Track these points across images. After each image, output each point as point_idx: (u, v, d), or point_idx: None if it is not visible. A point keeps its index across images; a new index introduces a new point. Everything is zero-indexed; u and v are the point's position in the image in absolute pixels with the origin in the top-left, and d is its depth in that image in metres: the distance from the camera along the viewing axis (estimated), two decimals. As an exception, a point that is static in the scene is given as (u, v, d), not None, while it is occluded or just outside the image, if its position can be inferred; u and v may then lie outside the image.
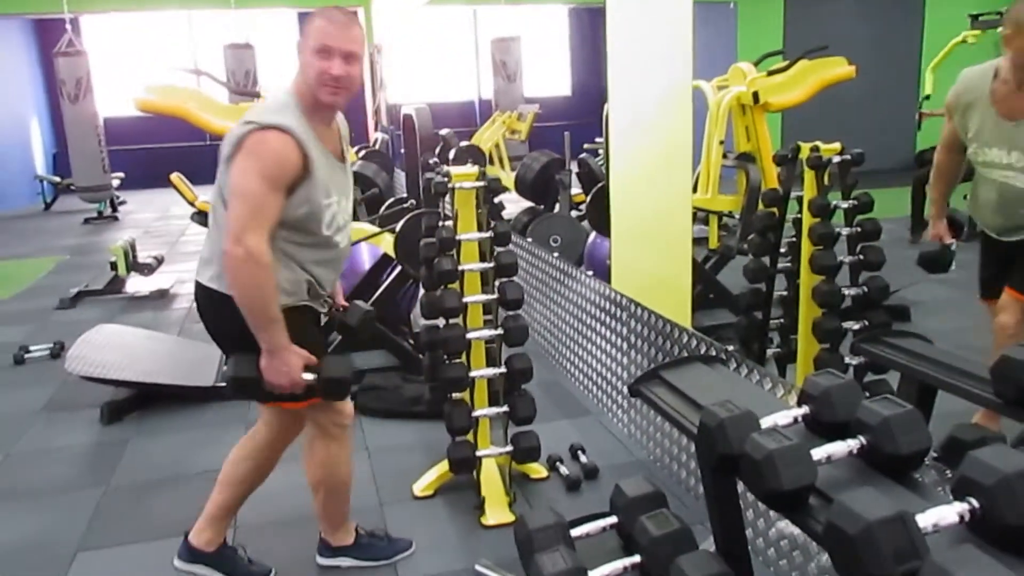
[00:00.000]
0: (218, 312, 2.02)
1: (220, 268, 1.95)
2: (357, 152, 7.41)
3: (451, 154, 5.39)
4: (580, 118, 11.93)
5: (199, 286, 2.05)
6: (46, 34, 12.18)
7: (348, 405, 2.23)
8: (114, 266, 5.79)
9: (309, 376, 1.95)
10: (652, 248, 2.94)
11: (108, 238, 8.49)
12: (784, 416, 1.45)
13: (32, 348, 4.53)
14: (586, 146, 7.63)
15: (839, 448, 1.28)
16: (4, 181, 10.99)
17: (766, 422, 1.45)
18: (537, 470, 2.85)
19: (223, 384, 2.49)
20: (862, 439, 1.26)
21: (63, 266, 7.23)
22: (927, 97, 6.81)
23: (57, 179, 11.23)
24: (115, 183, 9.63)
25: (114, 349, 3.87)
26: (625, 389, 3.16)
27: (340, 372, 2.01)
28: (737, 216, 4.15)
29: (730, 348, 2.45)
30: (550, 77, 13.92)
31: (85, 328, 4.10)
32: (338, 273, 2.19)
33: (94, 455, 3.26)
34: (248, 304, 1.86)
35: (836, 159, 2.80)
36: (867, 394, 1.68)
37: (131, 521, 2.73)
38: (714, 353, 2.38)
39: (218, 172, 1.94)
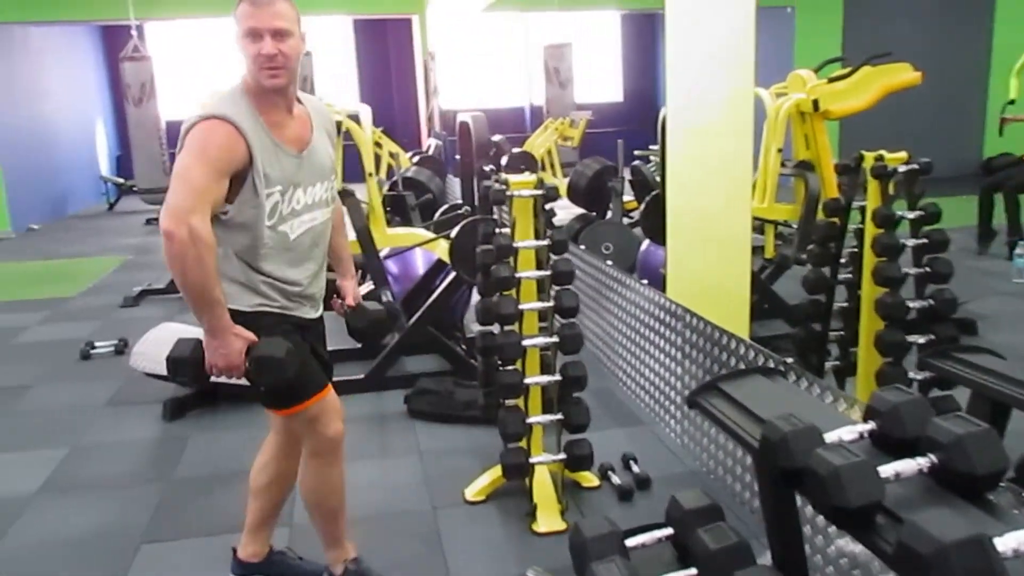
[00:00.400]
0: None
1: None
2: (411, 158, 7.49)
3: (503, 160, 5.42)
4: (631, 124, 11.88)
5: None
6: (112, 40, 12.57)
7: (335, 423, 2.10)
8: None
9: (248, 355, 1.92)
10: (709, 257, 2.92)
11: (168, 239, 8.70)
12: (849, 431, 1.42)
13: (98, 344, 4.67)
14: (637, 153, 7.60)
15: (908, 466, 1.25)
16: (71, 182, 11.36)
17: (830, 437, 1.43)
18: (589, 479, 2.85)
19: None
20: (933, 457, 1.24)
21: (126, 265, 7.44)
22: (1011, 102, 6.56)
23: (120, 180, 11.57)
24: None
25: (176, 347, 3.97)
26: (679, 399, 3.14)
27: (268, 351, 1.90)
28: (794, 225, 4.09)
29: (788, 360, 2.42)
30: (601, 83, 13.88)
31: (148, 326, 4.21)
32: (314, 268, 2.07)
33: (156, 450, 3.35)
34: (191, 286, 1.79)
35: (902, 168, 2.74)
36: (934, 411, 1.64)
37: (192, 515, 2.80)
38: (774, 365, 2.35)
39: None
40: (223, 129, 1.80)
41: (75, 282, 6.76)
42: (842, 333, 3.09)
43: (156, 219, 9.94)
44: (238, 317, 1.91)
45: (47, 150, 10.52)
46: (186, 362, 2.02)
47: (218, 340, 1.87)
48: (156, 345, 3.84)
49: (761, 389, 1.92)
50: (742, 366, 2.57)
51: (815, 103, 3.72)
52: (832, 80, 3.84)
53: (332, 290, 2.24)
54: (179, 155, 1.82)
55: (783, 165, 4.05)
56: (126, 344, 4.63)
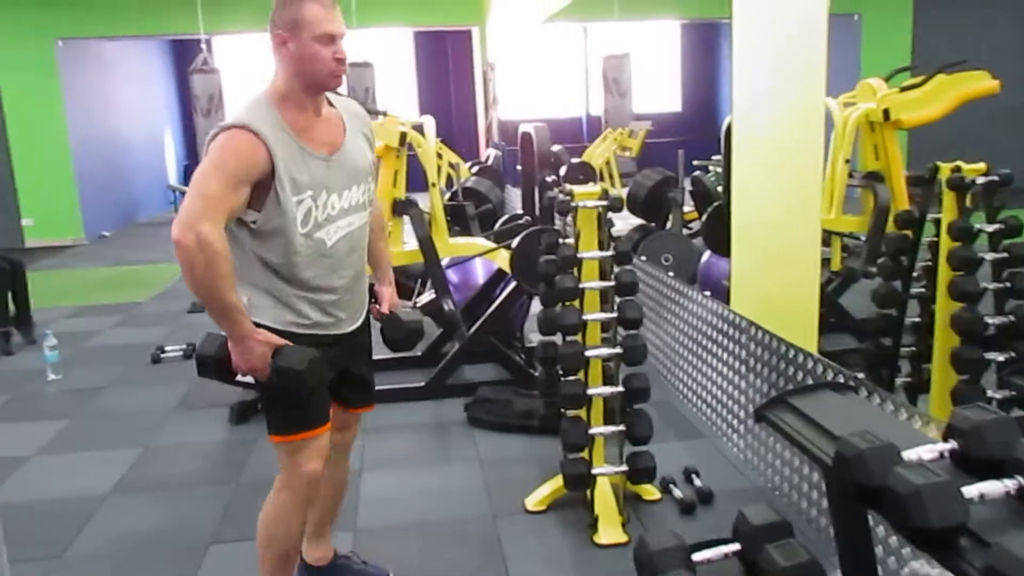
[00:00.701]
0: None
1: (248, 296, 1.87)
2: (470, 168, 7.55)
3: (561, 171, 5.42)
4: (690, 134, 11.76)
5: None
6: (181, 53, 12.97)
7: (314, 462, 1.98)
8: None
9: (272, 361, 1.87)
10: (776, 270, 2.88)
11: (233, 246, 8.93)
12: (928, 450, 1.39)
13: (167, 348, 4.81)
14: (696, 163, 7.53)
15: (994, 488, 1.22)
16: (141, 190, 11.74)
17: (909, 455, 1.39)
18: (651, 491, 2.82)
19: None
20: (1021, 480, 1.20)
21: (193, 272, 7.64)
22: None
23: (187, 189, 11.89)
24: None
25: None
26: (743, 413, 3.09)
27: (291, 362, 1.84)
28: (862, 237, 4.00)
29: (859, 375, 2.37)
30: (659, 93, 13.80)
31: (214, 330, 4.32)
32: (351, 275, 2.00)
33: (224, 452, 3.43)
34: (202, 292, 1.76)
35: (980, 180, 2.67)
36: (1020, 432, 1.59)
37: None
38: (845, 380, 2.31)
39: None
40: (241, 137, 1.77)
41: (145, 287, 6.97)
42: (914, 349, 3.01)
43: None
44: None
45: (119, 160, 10.90)
46: (211, 360, 1.96)
47: (240, 346, 1.84)
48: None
49: (832, 405, 1.88)
50: (810, 381, 2.52)
51: (886, 113, 3.64)
52: (904, 89, 3.74)
53: (371, 296, 2.19)
54: (200, 165, 1.80)
55: (851, 176, 3.97)
56: (194, 348, 4.75)
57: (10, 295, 5.15)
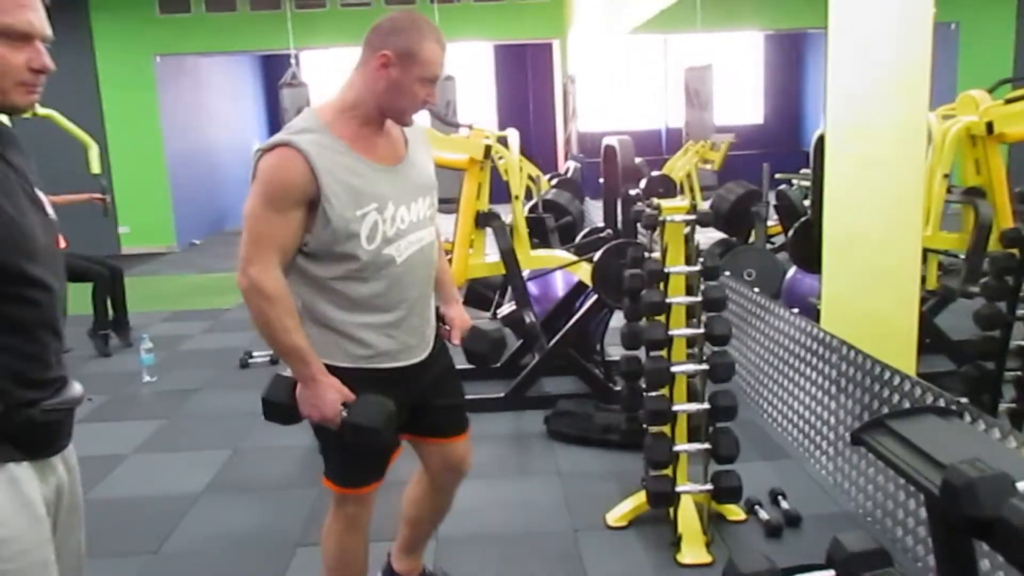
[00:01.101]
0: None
1: (310, 333, 1.76)
2: (549, 180, 7.56)
3: (641, 183, 5.38)
4: (773, 147, 11.55)
5: None
6: (269, 68, 13.42)
7: (360, 511, 1.98)
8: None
9: (343, 412, 1.73)
10: (872, 288, 2.79)
11: (316, 255, 9.17)
12: (1045, 481, 1.32)
13: (255, 354, 4.96)
14: (778, 176, 7.37)
15: (1121, 524, 1.15)
16: (229, 201, 12.16)
17: (1023, 486, 1.33)
18: (736, 512, 2.77)
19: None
20: None
21: (278, 279, 7.87)
22: None
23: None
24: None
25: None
26: (832, 435, 3.00)
27: (366, 418, 1.71)
28: (960, 255, 3.84)
29: (962, 400, 2.27)
30: (741, 104, 13.58)
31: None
32: (419, 294, 1.86)
33: (309, 457, 3.51)
34: (265, 336, 1.71)
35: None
36: None
37: (342, 523, 2.91)
38: (949, 404, 2.22)
39: None
40: (279, 155, 1.66)
41: (232, 294, 7.14)
42: (1019, 373, 2.87)
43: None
44: (332, 373, 1.75)
45: (209, 171, 11.33)
46: (279, 407, 1.80)
47: (309, 390, 1.73)
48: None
49: (935, 430, 1.81)
50: (908, 404, 2.43)
51: (989, 126, 3.50)
52: (1009, 101, 3.59)
53: (439, 319, 2.04)
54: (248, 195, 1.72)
55: (949, 191, 3.82)
56: (280, 354, 4.88)
57: (109, 300, 5.40)
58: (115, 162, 9.81)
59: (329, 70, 13.33)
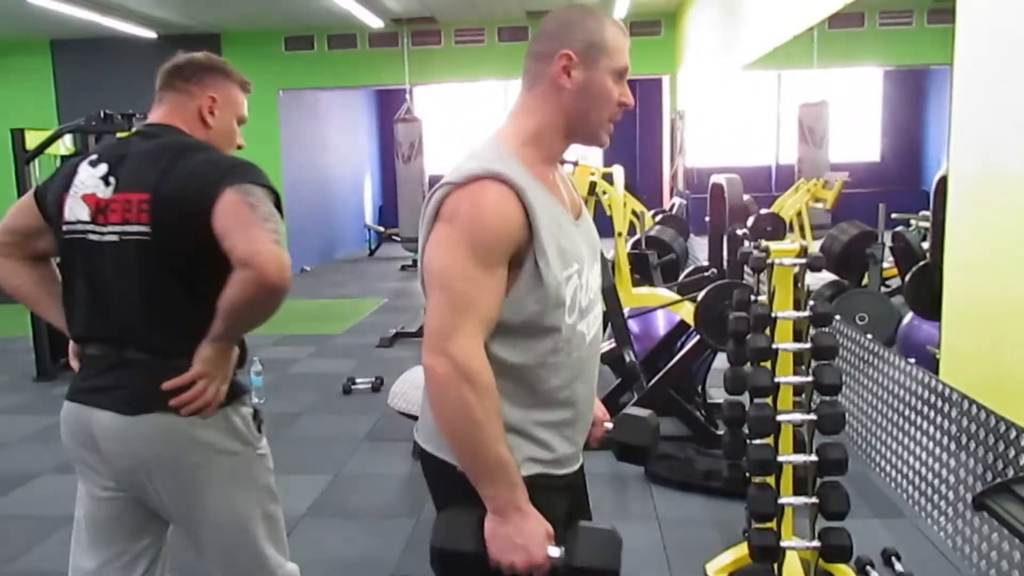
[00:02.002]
0: (441, 489, 1.41)
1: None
2: (653, 216, 7.51)
3: (749, 221, 5.27)
4: (889, 185, 11.12)
5: (420, 449, 1.43)
6: (383, 101, 13.93)
7: None
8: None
9: (556, 552, 1.27)
10: (997, 340, 2.63)
11: (421, 284, 9.39)
12: None
13: (358, 380, 5.09)
14: (894, 216, 7.08)
15: None
16: (340, 228, 12.62)
17: None
18: (845, 572, 2.63)
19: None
20: None
21: (384, 308, 8.09)
22: None
23: (381, 228, 12.66)
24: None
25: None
26: (951, 495, 2.83)
27: (603, 559, 1.29)
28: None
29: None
30: (856, 142, 13.14)
31: (400, 365, 4.53)
32: (593, 383, 1.47)
33: (407, 486, 3.57)
34: (460, 442, 1.27)
35: None
36: None
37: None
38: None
39: (419, 254, 1.35)
40: (488, 190, 1.26)
41: (340, 321, 7.44)
42: None
43: (412, 265, 10.76)
44: None
45: (323, 200, 11.78)
46: (466, 559, 1.28)
47: (511, 525, 1.26)
48: (413, 387, 4.11)
49: (1068, 499, 1.69)
50: (1037, 467, 2.27)
51: None
52: None
53: None
54: (431, 241, 1.29)
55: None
56: (382, 382, 5.01)
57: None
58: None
59: (441, 105, 13.74)
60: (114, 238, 1.63)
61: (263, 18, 9.51)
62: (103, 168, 1.68)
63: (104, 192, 1.66)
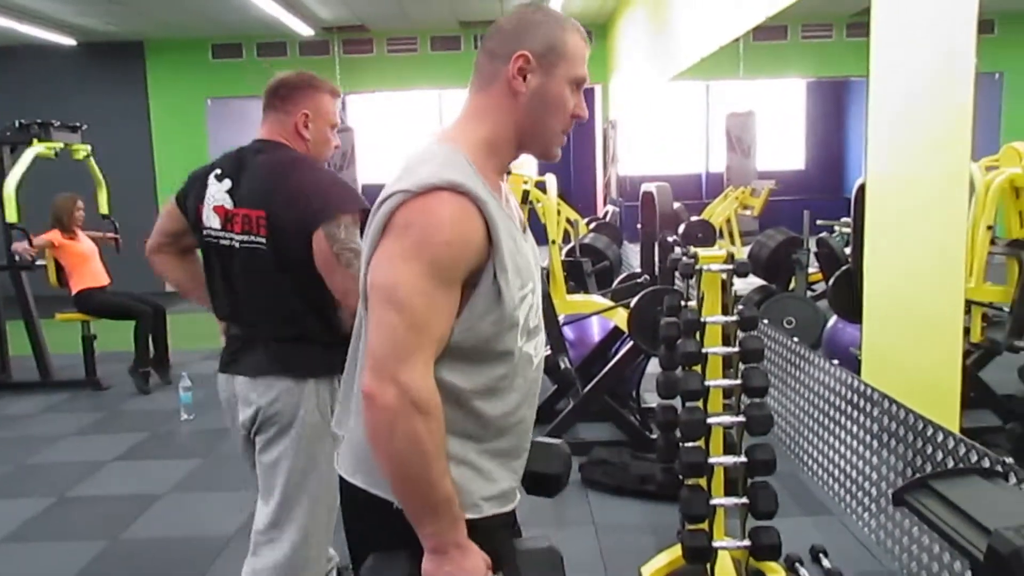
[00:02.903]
0: (369, 526, 1.31)
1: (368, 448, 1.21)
2: (587, 224, 7.59)
3: (680, 228, 5.37)
4: (814, 193, 11.48)
5: (342, 481, 1.33)
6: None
7: None
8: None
9: None
10: (914, 340, 2.73)
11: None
12: (1096, 551, 1.28)
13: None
14: (819, 223, 7.30)
15: None
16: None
17: (1072, 555, 1.28)
18: (775, 569, 2.69)
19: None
20: None
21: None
22: None
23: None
24: (365, 244, 10.57)
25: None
26: (874, 491, 2.92)
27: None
28: (1005, 308, 3.75)
29: (1008, 460, 2.20)
30: (782, 151, 13.53)
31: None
32: (535, 408, 1.38)
33: (341, 500, 3.51)
34: (406, 477, 1.15)
35: None
36: None
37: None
38: (994, 466, 2.15)
39: (361, 266, 1.26)
40: (453, 205, 1.16)
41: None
42: (1068, 431, 2.78)
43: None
44: None
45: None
46: None
47: (453, 563, 1.18)
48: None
49: (980, 491, 1.76)
50: (951, 462, 2.37)
51: (1034, 178, 3.44)
52: (1054, 153, 3.53)
53: None
54: (381, 254, 1.18)
55: (993, 243, 3.75)
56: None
57: (151, 337, 5.50)
58: (164, 202, 10.08)
59: (374, 114, 13.65)
60: (239, 244, 2.00)
61: (189, 26, 9.30)
62: (227, 183, 2.03)
63: (230, 205, 2.01)
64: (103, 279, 5.51)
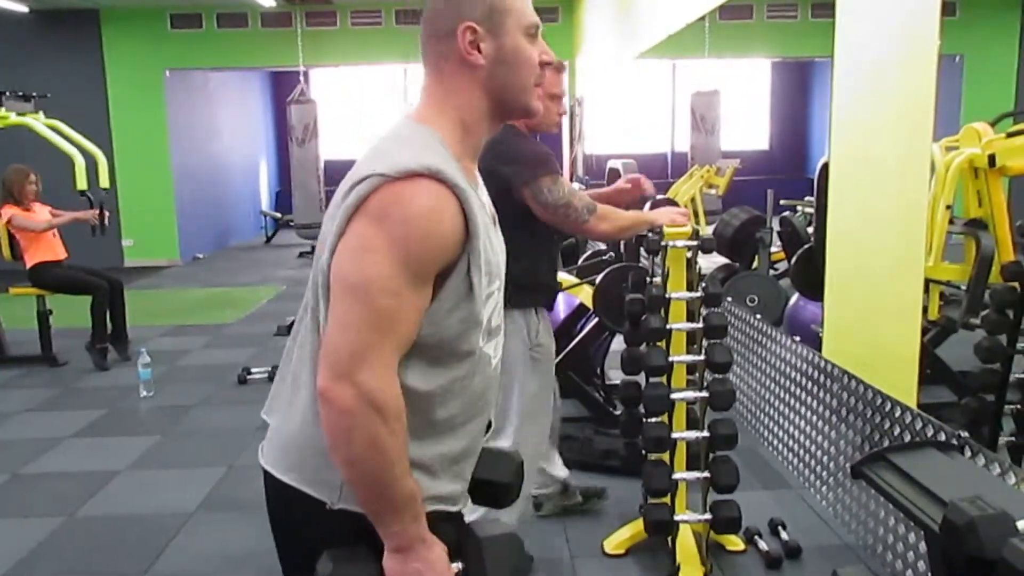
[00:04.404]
0: (299, 526, 1.25)
1: (303, 445, 1.18)
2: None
3: (646, 207, 5.38)
4: (777, 173, 11.58)
5: (268, 477, 1.26)
6: (278, 84, 13.51)
7: None
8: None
9: (458, 567, 1.19)
10: (873, 317, 2.77)
11: (319, 272, 9.20)
12: (1047, 521, 1.31)
13: (253, 370, 4.95)
14: (783, 202, 7.38)
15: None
16: (235, 216, 12.20)
17: (1023, 524, 1.31)
18: (735, 542, 2.74)
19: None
20: None
21: (281, 295, 7.87)
22: None
23: (278, 215, 12.31)
24: (328, 221, 10.43)
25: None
26: (832, 465, 2.98)
27: (510, 568, 1.21)
28: (962, 287, 3.83)
29: (963, 434, 2.25)
30: (747, 130, 13.63)
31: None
32: (489, 414, 1.31)
33: (304, 477, 3.49)
34: (367, 480, 1.10)
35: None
36: None
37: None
38: (949, 438, 2.20)
39: (316, 251, 1.17)
40: (432, 195, 1.09)
41: (234, 309, 7.20)
42: (1019, 407, 2.85)
43: (309, 253, 10.51)
44: None
45: (215, 185, 11.35)
46: None
47: (419, 560, 1.13)
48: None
49: (936, 464, 1.80)
50: (908, 436, 2.41)
51: (991, 158, 3.49)
52: (1011, 135, 3.59)
53: None
54: (350, 241, 1.09)
55: (951, 223, 3.82)
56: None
57: (108, 313, 5.39)
58: (121, 175, 9.84)
59: (339, 89, 13.45)
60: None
61: (146, -6, 9.07)
62: None
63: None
64: (59, 253, 5.38)
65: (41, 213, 5.38)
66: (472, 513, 1.34)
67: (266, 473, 1.25)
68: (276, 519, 1.31)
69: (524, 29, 1.21)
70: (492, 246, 1.19)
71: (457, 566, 1.18)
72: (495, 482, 1.33)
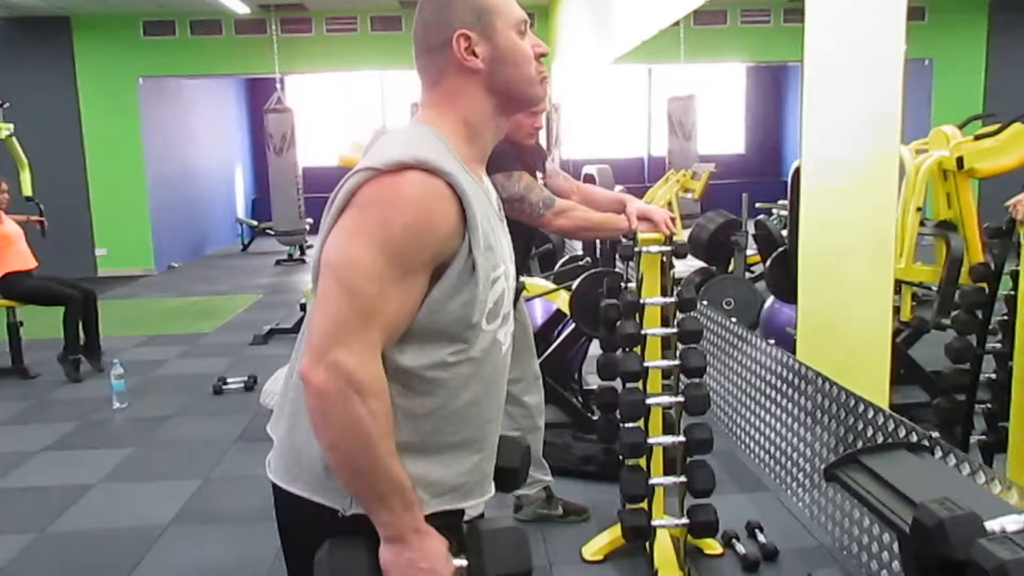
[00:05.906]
0: (311, 536, 1.17)
1: (309, 453, 1.16)
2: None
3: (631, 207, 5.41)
4: (753, 176, 11.69)
5: (276, 489, 1.23)
6: (254, 91, 13.44)
7: None
8: (304, 307, 6.19)
9: (461, 563, 1.17)
10: (845, 319, 2.80)
11: (297, 279, 9.12)
12: (1014, 521, 1.32)
13: (229, 380, 4.90)
14: (758, 206, 7.44)
15: (1089, 567, 1.15)
16: (211, 224, 12.10)
17: (992, 525, 1.33)
18: (712, 546, 2.75)
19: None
20: (1120, 560, 1.12)
21: (258, 304, 7.82)
22: None
23: (255, 223, 12.24)
24: (307, 228, 10.36)
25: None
26: (808, 467, 3.00)
27: (515, 564, 1.19)
28: (933, 287, 3.87)
29: (934, 434, 2.27)
30: (722, 134, 13.74)
31: (276, 363, 4.39)
32: (503, 401, 1.32)
33: (281, 487, 3.46)
34: (349, 464, 1.09)
35: (1063, 234, 2.57)
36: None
37: (312, 556, 2.86)
38: (920, 440, 2.22)
39: (316, 246, 1.18)
40: (422, 186, 1.09)
41: (210, 319, 7.14)
42: (990, 406, 2.88)
43: (287, 260, 10.44)
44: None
45: (190, 194, 11.27)
46: None
47: (413, 550, 1.12)
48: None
49: (907, 466, 1.81)
50: (881, 437, 2.43)
51: (960, 161, 3.54)
52: (979, 137, 3.64)
53: None
54: (339, 228, 1.11)
55: (922, 224, 3.86)
56: (255, 380, 4.84)
57: (81, 323, 5.32)
58: (94, 183, 9.75)
59: (315, 96, 13.40)
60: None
61: (117, 1, 8.98)
62: None
63: None
64: (30, 262, 5.30)
65: (8, 221, 5.31)
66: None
67: (274, 486, 1.23)
68: (286, 531, 1.30)
69: (514, 26, 1.24)
70: (495, 233, 1.21)
71: (460, 562, 1.17)
72: (502, 467, 1.34)
